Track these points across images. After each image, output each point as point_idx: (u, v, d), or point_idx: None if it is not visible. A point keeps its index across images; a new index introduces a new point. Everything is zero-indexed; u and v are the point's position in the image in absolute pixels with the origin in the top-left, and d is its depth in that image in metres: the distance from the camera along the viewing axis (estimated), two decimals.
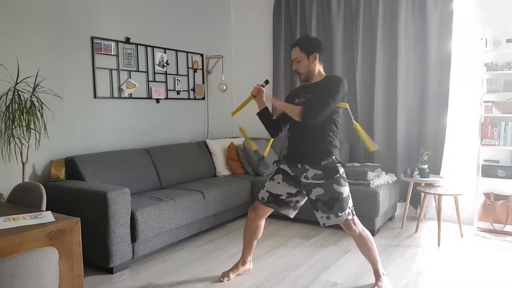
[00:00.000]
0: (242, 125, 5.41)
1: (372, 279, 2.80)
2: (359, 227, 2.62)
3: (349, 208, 2.55)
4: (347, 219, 2.54)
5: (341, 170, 2.56)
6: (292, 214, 2.77)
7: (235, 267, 2.90)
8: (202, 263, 3.16)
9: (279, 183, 2.67)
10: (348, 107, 2.59)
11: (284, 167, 2.67)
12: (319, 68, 2.58)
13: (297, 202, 2.72)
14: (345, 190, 2.54)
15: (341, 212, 2.51)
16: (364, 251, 2.67)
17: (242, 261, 2.92)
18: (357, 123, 2.67)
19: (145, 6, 4.19)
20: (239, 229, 4.00)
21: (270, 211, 2.76)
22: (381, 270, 2.73)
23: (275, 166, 2.74)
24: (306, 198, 2.70)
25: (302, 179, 2.58)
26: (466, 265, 3.10)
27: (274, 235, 3.80)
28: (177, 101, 4.62)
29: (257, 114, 2.75)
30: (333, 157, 2.53)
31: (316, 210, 2.59)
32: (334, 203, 2.50)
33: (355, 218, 2.62)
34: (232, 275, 2.87)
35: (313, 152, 2.54)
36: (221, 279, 2.84)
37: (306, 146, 2.56)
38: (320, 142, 2.53)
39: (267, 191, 2.71)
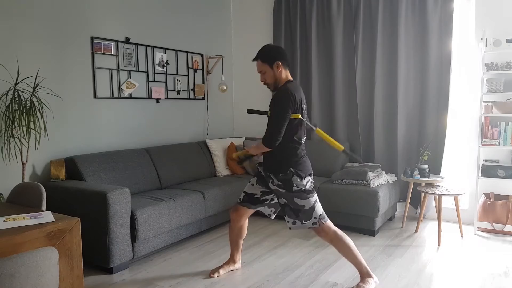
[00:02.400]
0: (242, 124, 5.42)
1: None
2: (330, 232, 2.60)
3: (315, 218, 2.57)
4: (312, 227, 2.61)
5: (301, 182, 2.54)
6: (270, 213, 2.86)
7: (226, 265, 2.99)
8: (202, 263, 3.16)
9: (253, 184, 2.80)
10: (301, 117, 2.55)
11: (261, 170, 2.76)
12: (286, 74, 2.63)
13: (272, 200, 2.78)
14: (308, 202, 2.56)
15: (305, 221, 2.59)
16: (342, 254, 2.66)
17: (232, 260, 3.02)
18: (318, 129, 2.68)
19: (145, 6, 4.19)
20: None
21: (250, 211, 2.85)
22: (366, 271, 2.65)
23: (257, 167, 2.82)
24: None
25: (270, 185, 2.66)
26: (466, 265, 3.10)
27: (274, 235, 3.80)
28: (177, 101, 4.62)
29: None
30: (291, 169, 2.54)
31: (283, 214, 2.67)
32: (298, 213, 2.59)
33: (326, 225, 2.60)
34: (222, 272, 2.94)
35: (273, 163, 2.63)
36: (211, 275, 2.90)
37: (269, 155, 2.65)
38: (279, 154, 2.58)
39: (243, 191, 2.85)
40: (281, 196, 2.62)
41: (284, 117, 2.49)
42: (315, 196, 2.61)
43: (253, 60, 2.67)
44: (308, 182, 2.57)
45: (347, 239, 2.62)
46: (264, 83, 2.66)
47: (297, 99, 2.51)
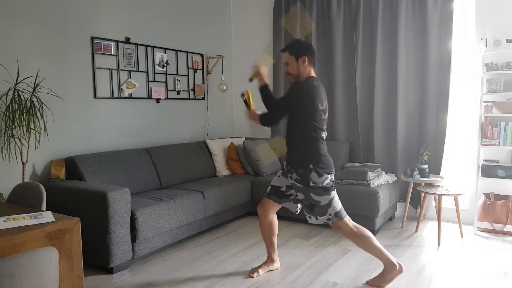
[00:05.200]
0: (242, 124, 5.42)
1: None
2: (347, 229, 2.65)
3: (330, 214, 2.61)
4: (327, 223, 2.66)
5: (320, 179, 2.56)
6: (295, 208, 2.87)
7: (265, 264, 2.97)
8: (202, 263, 3.16)
9: (279, 176, 2.83)
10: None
11: (284, 163, 2.80)
12: (309, 70, 2.66)
13: (297, 195, 2.76)
14: (324, 199, 2.59)
15: (320, 216, 2.63)
16: (362, 248, 2.71)
17: (270, 259, 2.99)
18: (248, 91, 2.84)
19: (145, 6, 4.19)
20: (239, 229, 4.00)
21: (276, 205, 2.85)
22: (389, 261, 2.66)
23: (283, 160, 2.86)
24: None
25: (289, 179, 2.70)
26: (466, 265, 3.10)
27: None
28: (177, 101, 4.62)
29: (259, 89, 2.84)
30: (310, 165, 2.56)
31: (303, 208, 2.75)
32: (313, 208, 2.63)
33: (343, 222, 2.63)
34: (261, 271, 2.93)
35: (293, 158, 2.67)
36: (251, 274, 2.89)
37: (290, 149, 2.71)
38: (299, 149, 2.63)
39: (270, 184, 2.87)
40: (298, 191, 2.65)
41: (285, 109, 2.61)
42: (333, 193, 2.63)
43: (282, 51, 2.72)
44: (326, 179, 2.58)
45: (365, 234, 2.65)
46: (287, 74, 2.70)
47: (316, 100, 2.55)
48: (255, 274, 2.89)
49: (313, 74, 2.68)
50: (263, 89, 2.78)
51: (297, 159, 2.62)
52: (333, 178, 2.64)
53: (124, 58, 3.95)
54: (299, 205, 2.85)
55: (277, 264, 3.01)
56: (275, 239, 2.95)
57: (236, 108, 5.48)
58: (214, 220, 3.89)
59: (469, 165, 4.09)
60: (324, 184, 2.57)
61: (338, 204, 2.64)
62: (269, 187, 2.86)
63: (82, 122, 3.64)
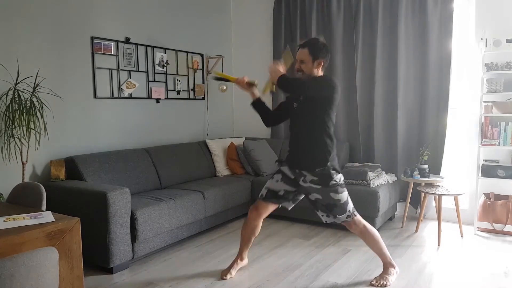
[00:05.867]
0: (242, 124, 5.42)
1: (372, 278, 2.80)
2: (359, 225, 2.69)
3: (349, 211, 2.63)
4: (346, 220, 2.66)
5: (338, 176, 2.59)
6: (290, 206, 2.86)
7: (235, 263, 2.95)
8: (202, 263, 3.16)
9: (277, 181, 2.76)
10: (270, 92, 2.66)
11: (285, 169, 2.73)
12: (319, 73, 2.64)
13: (295, 196, 2.79)
14: (343, 196, 2.60)
15: (339, 215, 2.63)
16: (369, 246, 2.76)
17: (240, 257, 2.98)
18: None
19: (145, 6, 4.19)
20: (239, 229, 3.99)
21: (270, 209, 2.83)
22: (389, 262, 2.76)
23: (277, 165, 2.84)
24: (304, 195, 2.78)
25: (301, 183, 2.66)
26: (466, 265, 3.10)
27: (274, 235, 3.80)
28: (177, 101, 4.62)
29: (251, 104, 2.83)
30: (328, 164, 2.57)
31: (316, 210, 2.71)
32: (332, 208, 2.61)
33: (356, 218, 2.68)
34: (233, 272, 2.91)
35: (309, 159, 2.61)
36: (224, 277, 2.87)
37: (303, 151, 2.64)
38: (316, 149, 2.59)
39: (266, 187, 2.81)
40: (313, 192, 2.62)
41: (312, 92, 2.53)
42: (346, 190, 2.65)
43: (302, 47, 2.60)
44: (341, 176, 2.62)
45: (374, 232, 2.72)
46: (299, 70, 2.62)
47: (335, 94, 2.54)
48: (228, 276, 2.87)
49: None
50: (258, 103, 2.79)
51: (313, 159, 2.59)
52: None
53: (124, 58, 3.95)
54: (292, 202, 2.83)
55: (245, 261, 3.02)
56: (253, 239, 2.95)
57: (236, 108, 5.48)
58: (214, 220, 3.89)
59: (469, 165, 4.08)
60: (341, 180, 2.61)
61: (351, 200, 2.68)
62: (265, 190, 2.78)
63: (82, 122, 3.63)
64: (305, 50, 2.58)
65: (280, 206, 2.84)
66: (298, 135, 2.66)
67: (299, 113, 2.64)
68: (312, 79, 2.57)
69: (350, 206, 2.64)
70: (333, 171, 2.57)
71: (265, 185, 2.82)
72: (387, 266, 2.77)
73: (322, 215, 2.69)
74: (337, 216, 2.62)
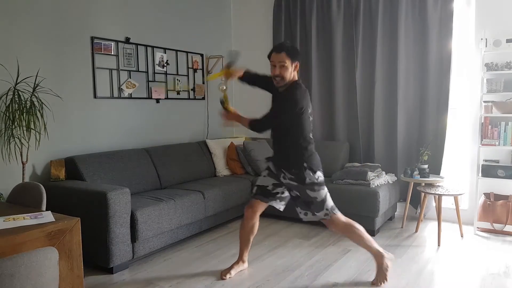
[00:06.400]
0: (240, 125, 5.41)
1: (372, 279, 2.80)
2: (339, 223, 2.70)
3: (327, 209, 2.67)
4: (324, 218, 2.69)
5: (315, 175, 2.63)
6: (280, 206, 2.88)
7: (235, 265, 2.97)
8: (202, 263, 3.16)
9: (265, 176, 2.86)
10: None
11: (270, 165, 2.85)
12: (295, 75, 2.68)
13: (283, 193, 2.82)
14: (320, 194, 2.64)
15: (317, 212, 2.68)
16: (353, 241, 2.77)
17: (241, 259, 3.00)
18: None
19: (145, 6, 4.19)
20: (239, 229, 3.99)
21: (263, 206, 2.88)
22: (379, 253, 2.74)
23: (265, 162, 2.93)
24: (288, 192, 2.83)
25: (281, 179, 2.75)
26: (466, 265, 3.10)
27: (274, 235, 3.80)
28: (177, 101, 4.62)
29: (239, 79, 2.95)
30: (304, 164, 2.63)
31: (296, 206, 2.77)
32: (310, 205, 2.67)
33: (335, 216, 2.69)
34: (233, 273, 2.92)
35: (286, 160, 2.71)
36: (223, 277, 2.87)
37: (280, 152, 2.76)
38: (291, 151, 2.68)
39: (255, 185, 2.89)
40: (293, 189, 2.70)
41: (285, 117, 2.60)
42: (326, 189, 2.69)
43: (277, 51, 2.59)
44: (319, 175, 2.66)
45: (357, 227, 2.72)
46: (278, 76, 2.60)
47: (305, 104, 2.59)
48: (228, 276, 2.88)
49: (296, 77, 2.70)
50: (245, 77, 2.88)
51: (290, 161, 2.68)
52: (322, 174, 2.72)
53: (124, 58, 3.95)
54: (283, 202, 2.87)
55: (246, 264, 3.04)
56: (252, 239, 2.99)
57: (236, 108, 5.46)
58: (214, 220, 3.89)
59: (469, 165, 4.08)
60: (319, 180, 2.65)
61: (330, 199, 2.71)
62: (255, 188, 2.87)
63: (82, 122, 3.63)
64: (283, 54, 2.57)
65: (269, 204, 2.86)
66: (276, 138, 2.77)
67: (271, 110, 2.72)
68: (282, 100, 2.61)
69: (329, 204, 2.67)
70: (308, 171, 2.63)
71: (255, 183, 2.90)
72: (378, 259, 2.75)
73: (300, 212, 2.74)
74: (315, 213, 2.68)
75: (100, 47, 3.73)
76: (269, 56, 2.70)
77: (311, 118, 2.70)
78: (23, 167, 3.09)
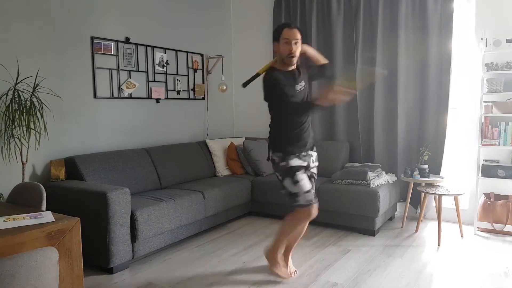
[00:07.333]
0: (242, 124, 5.41)
1: (372, 279, 2.80)
2: (296, 214, 2.69)
3: (293, 196, 2.63)
4: (292, 205, 2.67)
5: (283, 162, 2.64)
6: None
7: (285, 261, 2.96)
8: (202, 263, 3.16)
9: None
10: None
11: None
12: None
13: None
14: (286, 182, 2.65)
15: (287, 196, 2.68)
16: (281, 229, 2.79)
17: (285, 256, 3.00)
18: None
19: (145, 6, 4.19)
20: (239, 229, 4.00)
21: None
22: (276, 255, 2.81)
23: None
24: None
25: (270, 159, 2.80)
26: (466, 265, 3.10)
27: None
28: (177, 101, 4.62)
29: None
30: (278, 148, 2.67)
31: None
32: (282, 186, 2.70)
33: (302, 210, 2.64)
34: (292, 267, 2.96)
35: (268, 142, 2.78)
36: (292, 275, 2.88)
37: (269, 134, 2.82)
38: (271, 134, 2.76)
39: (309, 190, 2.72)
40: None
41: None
42: (299, 177, 2.62)
43: (290, 27, 2.56)
44: (290, 161, 2.63)
45: (298, 227, 2.77)
46: (292, 55, 2.56)
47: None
48: (294, 270, 2.92)
49: None
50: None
51: (270, 143, 2.75)
52: (297, 161, 2.67)
53: (124, 58, 3.95)
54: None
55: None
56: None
57: (236, 108, 5.48)
58: (214, 220, 3.89)
59: (469, 165, 4.08)
60: (287, 165, 2.64)
61: (302, 187, 2.62)
62: (313, 191, 2.76)
63: (82, 122, 3.63)
64: (296, 30, 2.56)
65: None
66: (306, 122, 2.77)
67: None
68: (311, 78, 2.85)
69: (303, 200, 2.61)
70: (278, 154, 2.64)
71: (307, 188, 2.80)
72: (272, 262, 2.83)
73: (281, 191, 2.75)
74: (287, 198, 2.67)
75: (100, 47, 3.73)
76: (277, 33, 2.58)
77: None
78: (23, 167, 3.09)
